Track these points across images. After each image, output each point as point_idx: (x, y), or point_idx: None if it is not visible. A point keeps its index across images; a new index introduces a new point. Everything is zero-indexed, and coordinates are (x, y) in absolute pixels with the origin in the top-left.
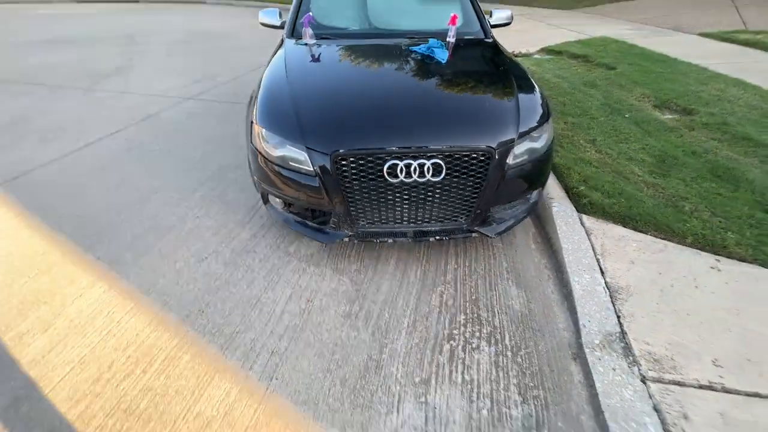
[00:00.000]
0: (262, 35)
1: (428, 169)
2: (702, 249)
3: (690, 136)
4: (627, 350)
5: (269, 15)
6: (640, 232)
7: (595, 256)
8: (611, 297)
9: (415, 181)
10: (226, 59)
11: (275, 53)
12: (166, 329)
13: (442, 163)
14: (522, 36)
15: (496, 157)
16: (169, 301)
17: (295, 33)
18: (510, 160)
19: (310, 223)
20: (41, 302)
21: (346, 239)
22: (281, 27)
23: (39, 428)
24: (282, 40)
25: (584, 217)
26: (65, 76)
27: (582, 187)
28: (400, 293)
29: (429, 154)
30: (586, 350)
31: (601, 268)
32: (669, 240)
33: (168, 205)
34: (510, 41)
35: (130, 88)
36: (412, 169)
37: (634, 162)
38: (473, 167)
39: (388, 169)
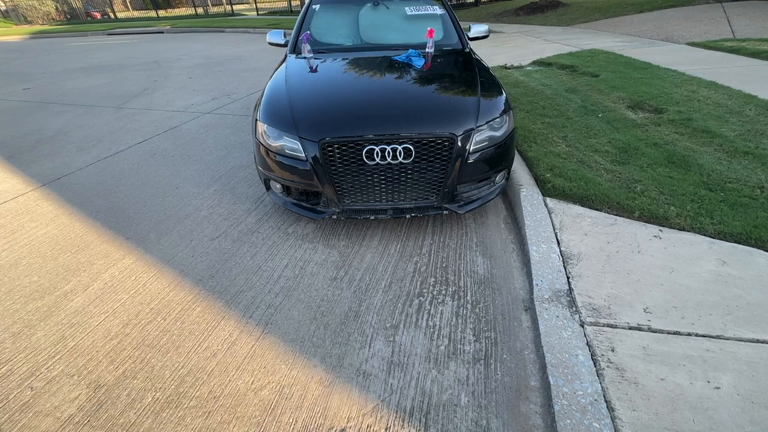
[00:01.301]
0: (273, 57)
1: (400, 152)
2: (648, 222)
3: (655, 130)
4: (571, 303)
5: (275, 35)
6: (595, 209)
7: (554, 230)
8: (564, 262)
9: (389, 163)
10: (241, 79)
11: (279, 66)
12: (183, 289)
13: (412, 148)
14: (517, 51)
15: (458, 143)
16: (185, 269)
17: (296, 49)
18: (471, 146)
19: (304, 204)
20: (81, 270)
21: (334, 216)
22: (285, 45)
23: (81, 357)
24: (285, 56)
25: (548, 199)
26: (99, 97)
27: (548, 175)
28: (380, 262)
29: (400, 140)
30: (536, 303)
31: (557, 240)
32: (620, 215)
33: (186, 198)
34: (505, 56)
35: (154, 105)
36: (386, 153)
37: (599, 153)
38: (438, 151)
39: (366, 153)
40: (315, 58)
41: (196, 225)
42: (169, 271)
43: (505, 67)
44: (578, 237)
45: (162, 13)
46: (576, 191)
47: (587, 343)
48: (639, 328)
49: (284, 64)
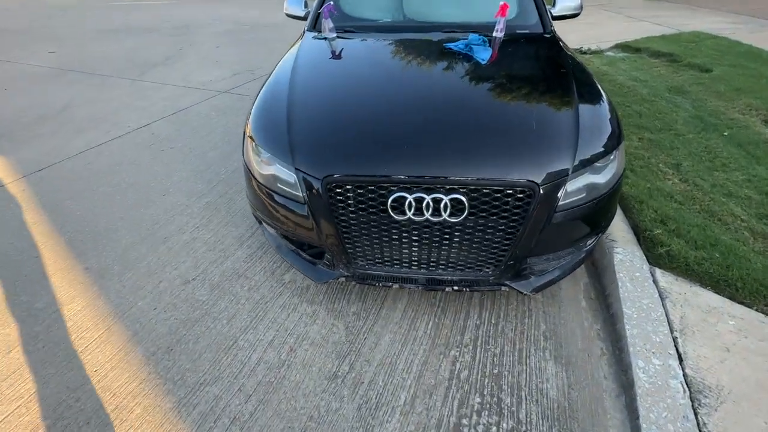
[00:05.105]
0: None
1: (445, 206)
2: None
3: None
4: None
5: (294, 4)
6: (742, 304)
7: (672, 332)
8: (692, 400)
9: (427, 220)
10: (270, 51)
11: (290, 49)
12: (127, 368)
13: (465, 200)
14: (593, 29)
15: (541, 194)
16: (140, 331)
17: (317, 25)
18: (560, 200)
19: (303, 254)
20: (11, 319)
21: (342, 279)
22: (305, 18)
23: None
24: (302, 33)
25: (659, 272)
26: (118, 65)
27: (658, 231)
28: (402, 353)
29: (448, 187)
30: None
31: (679, 353)
32: None
33: (170, 211)
34: (578, 35)
35: (171, 79)
36: (424, 204)
37: (735, 199)
38: (507, 207)
39: (392, 202)
40: (338, 38)
41: (172, 256)
42: (119, 330)
43: (581, 52)
44: (715, 353)
45: None
46: (707, 266)
47: None
48: None
49: (296, 47)
